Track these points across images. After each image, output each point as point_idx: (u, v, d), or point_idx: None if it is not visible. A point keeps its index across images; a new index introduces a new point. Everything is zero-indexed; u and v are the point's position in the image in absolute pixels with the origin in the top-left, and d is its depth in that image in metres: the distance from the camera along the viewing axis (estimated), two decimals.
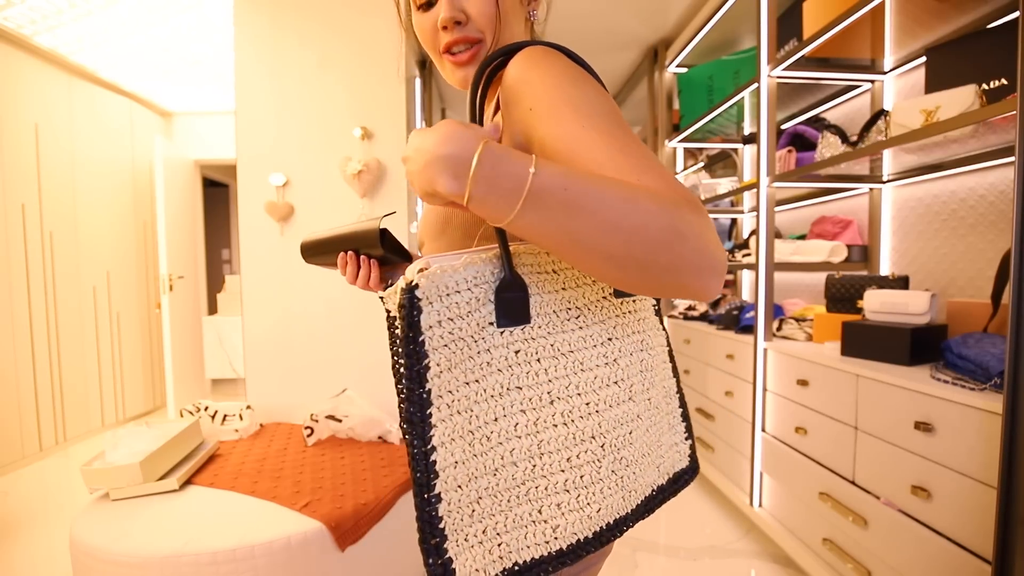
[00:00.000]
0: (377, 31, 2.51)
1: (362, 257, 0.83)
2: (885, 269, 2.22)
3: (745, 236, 3.26)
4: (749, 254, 2.64)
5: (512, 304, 0.56)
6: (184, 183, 4.46)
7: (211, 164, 4.95)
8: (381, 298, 0.60)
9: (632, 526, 0.63)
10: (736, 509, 2.51)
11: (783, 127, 2.50)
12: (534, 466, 0.57)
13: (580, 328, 0.61)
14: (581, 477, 0.59)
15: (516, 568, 0.57)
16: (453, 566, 0.54)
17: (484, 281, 0.55)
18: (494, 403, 0.56)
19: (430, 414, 0.52)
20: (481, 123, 0.58)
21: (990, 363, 1.33)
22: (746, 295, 3.37)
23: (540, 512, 0.58)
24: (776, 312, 2.37)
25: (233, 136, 2.51)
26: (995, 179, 1.72)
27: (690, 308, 3.14)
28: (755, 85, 2.27)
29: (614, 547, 2.21)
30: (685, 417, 0.79)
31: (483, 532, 0.55)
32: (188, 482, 1.71)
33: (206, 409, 2.19)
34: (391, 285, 0.86)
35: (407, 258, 0.88)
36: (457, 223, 0.68)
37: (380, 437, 2.12)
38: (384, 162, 2.53)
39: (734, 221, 3.48)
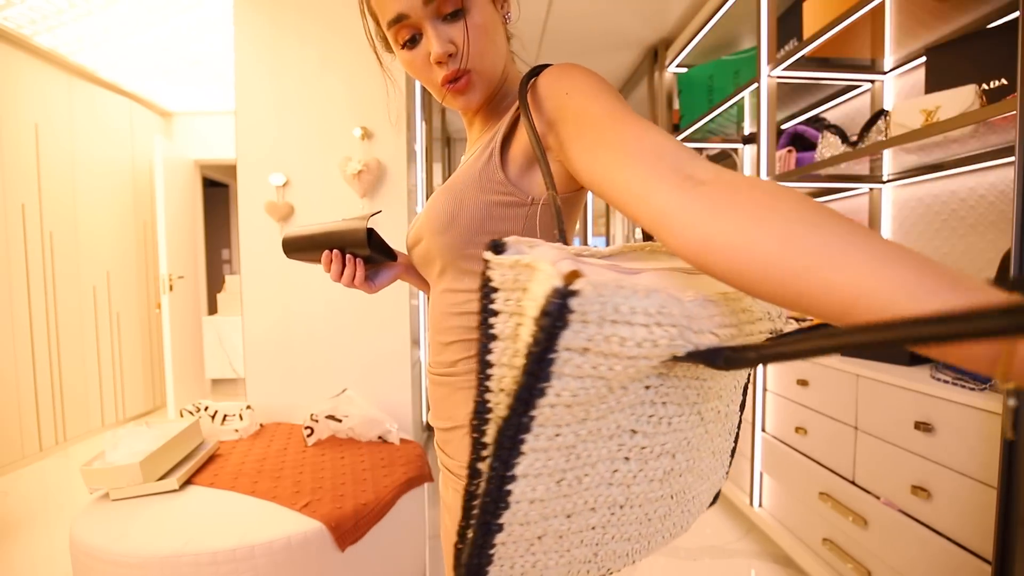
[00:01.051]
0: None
1: (347, 256, 0.82)
2: None
3: None
4: None
5: (703, 356, 0.40)
6: (184, 183, 4.46)
7: (211, 164, 4.95)
8: (486, 261, 0.43)
9: None
10: (736, 509, 2.51)
11: (783, 127, 2.50)
12: (612, 515, 0.50)
13: (710, 378, 0.50)
14: (647, 530, 0.54)
15: None
16: None
17: (670, 322, 0.38)
18: (602, 445, 0.45)
19: (523, 439, 0.42)
20: (534, 135, 0.60)
21: None
22: None
23: (596, 555, 0.53)
24: None
25: (233, 136, 2.52)
26: (995, 179, 1.72)
27: None
28: (755, 85, 2.27)
29: None
30: (732, 453, 0.67)
31: (532, 566, 0.50)
32: (188, 482, 1.71)
33: (206, 409, 2.19)
34: (376, 281, 0.86)
35: (392, 257, 0.87)
36: (465, 220, 0.68)
37: (380, 437, 2.12)
38: (384, 162, 2.53)
39: None
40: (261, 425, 2.31)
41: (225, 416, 2.20)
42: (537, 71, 0.63)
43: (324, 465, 1.85)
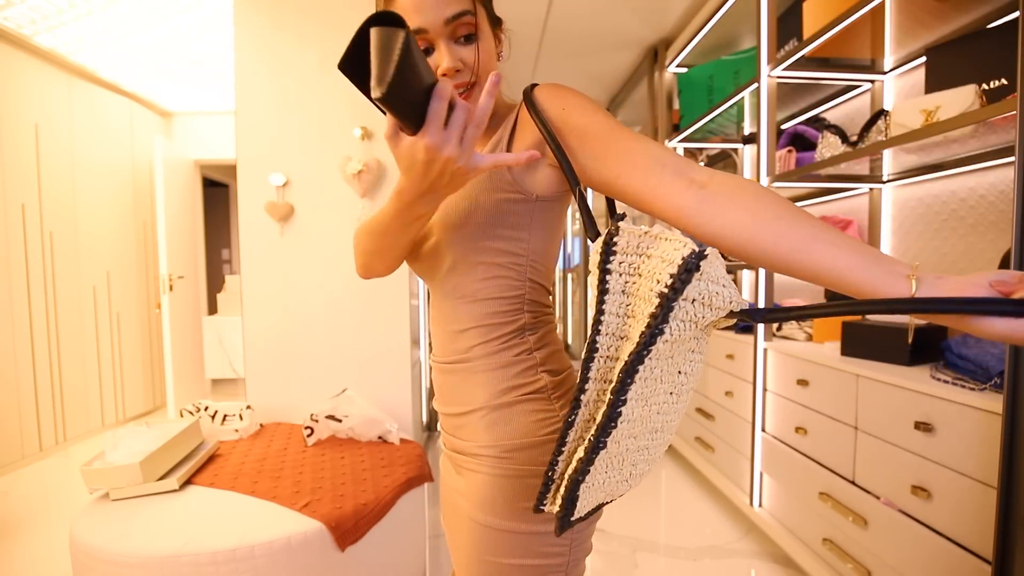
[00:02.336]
0: None
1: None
2: None
3: None
4: None
5: (748, 314, 0.56)
6: (184, 183, 4.46)
7: (211, 164, 4.95)
8: (617, 227, 0.58)
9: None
10: (736, 509, 2.51)
11: (783, 127, 2.50)
12: (651, 440, 0.65)
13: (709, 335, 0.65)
14: (649, 458, 0.67)
15: (588, 513, 0.67)
16: (576, 505, 0.63)
17: (732, 288, 0.54)
18: (669, 379, 0.59)
19: (638, 369, 0.55)
20: (549, 134, 0.71)
21: (990, 363, 1.33)
22: (746, 295, 3.37)
23: (629, 476, 0.66)
24: None
25: (233, 136, 2.52)
26: (995, 179, 1.73)
27: None
28: (755, 85, 2.27)
29: (614, 546, 2.21)
30: None
31: (602, 483, 0.63)
32: (188, 482, 1.71)
33: (206, 409, 2.19)
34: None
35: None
36: (480, 216, 0.76)
37: (380, 437, 2.12)
38: (384, 162, 2.53)
39: None
40: (261, 425, 2.31)
41: (225, 416, 2.20)
42: (530, 89, 0.76)
43: (324, 465, 1.85)
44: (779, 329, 2.22)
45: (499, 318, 0.79)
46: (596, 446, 0.58)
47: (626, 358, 0.55)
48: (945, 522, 1.34)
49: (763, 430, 2.19)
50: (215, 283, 5.79)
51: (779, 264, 0.56)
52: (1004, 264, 1.51)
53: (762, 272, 2.18)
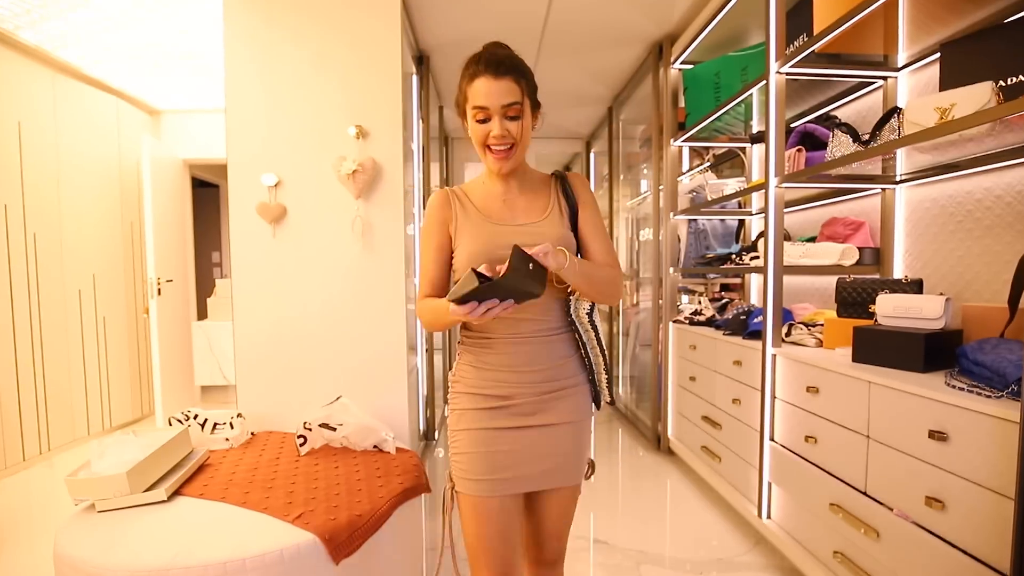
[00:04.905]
0: (372, 27, 2.53)
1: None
2: (898, 272, 2.22)
3: (753, 238, 3.27)
4: (757, 257, 2.65)
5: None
6: (173, 183, 4.47)
7: (201, 164, 4.96)
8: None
9: None
10: (744, 520, 2.51)
11: (792, 126, 2.51)
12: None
13: None
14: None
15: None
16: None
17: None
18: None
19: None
20: (563, 196, 1.33)
21: (1007, 369, 1.33)
22: (754, 299, 3.37)
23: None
24: (785, 317, 2.37)
25: (224, 135, 2.52)
26: (1012, 179, 1.73)
27: (696, 313, 3.14)
28: (763, 82, 2.27)
29: (618, 559, 2.21)
30: None
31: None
32: (177, 493, 1.71)
33: (195, 417, 2.19)
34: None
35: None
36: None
37: (375, 446, 2.12)
38: (380, 162, 2.53)
39: (741, 223, 3.49)
40: (252, 434, 2.31)
41: (215, 424, 2.20)
42: (563, 173, 1.36)
43: (318, 475, 1.85)
44: (788, 335, 2.22)
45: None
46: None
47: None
48: (960, 534, 1.34)
49: (772, 439, 2.19)
50: (205, 287, 5.79)
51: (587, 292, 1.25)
52: (1021, 267, 1.51)
53: (771, 275, 2.19)
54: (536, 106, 1.27)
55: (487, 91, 1.17)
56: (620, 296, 1.35)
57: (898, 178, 2.17)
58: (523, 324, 1.24)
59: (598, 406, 1.36)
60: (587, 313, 1.29)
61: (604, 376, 1.34)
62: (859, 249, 2.27)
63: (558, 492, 1.31)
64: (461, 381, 1.30)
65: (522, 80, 1.20)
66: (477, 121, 1.20)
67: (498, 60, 1.18)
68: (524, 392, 1.25)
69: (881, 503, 1.60)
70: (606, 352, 1.34)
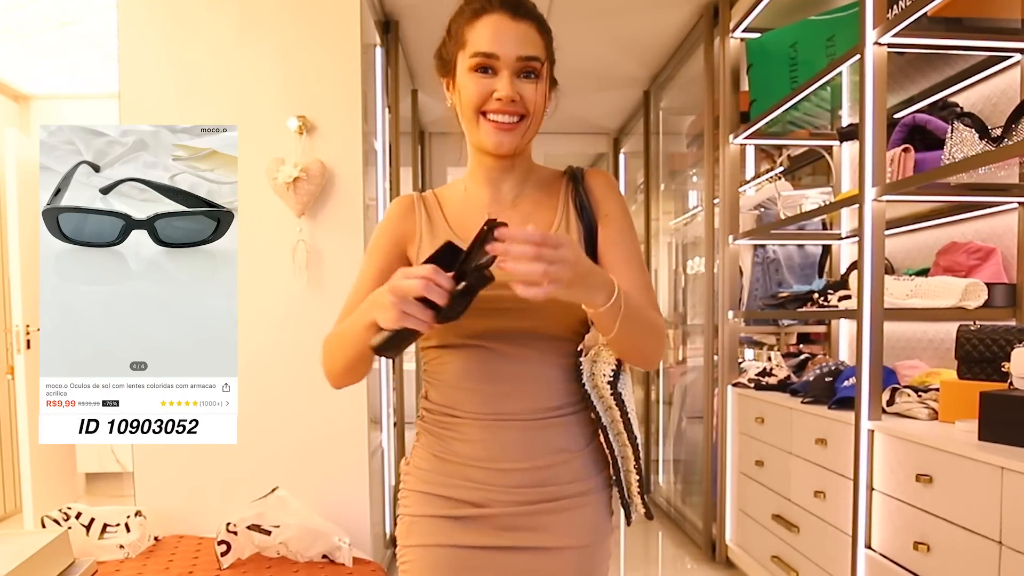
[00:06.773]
0: None
1: None
2: None
3: (843, 271, 3.28)
4: (848, 296, 2.66)
5: None
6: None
7: None
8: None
9: None
10: None
11: (897, 116, 2.54)
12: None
13: None
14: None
15: None
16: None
17: None
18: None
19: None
20: (578, 204, 1.20)
21: None
22: (843, 355, 3.37)
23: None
24: (887, 379, 2.38)
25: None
26: None
27: (764, 373, 3.14)
28: (857, 57, 2.31)
29: None
30: None
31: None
32: None
33: (78, 516, 2.20)
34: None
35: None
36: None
37: (325, 555, 2.12)
38: (331, 166, 2.54)
39: (827, 250, 3.52)
40: (156, 539, 2.31)
41: (105, 526, 2.20)
42: (580, 170, 1.25)
43: None
44: (891, 403, 2.22)
45: None
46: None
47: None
48: None
49: (868, 546, 2.17)
50: None
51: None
52: None
53: (867, 322, 2.20)
54: (554, 83, 1.20)
55: (499, 33, 1.08)
56: (663, 354, 1.21)
57: None
58: (507, 400, 1.10)
59: (628, 521, 1.25)
60: (609, 381, 1.12)
61: (635, 477, 1.19)
62: (988, 285, 2.28)
63: None
64: (414, 474, 1.18)
65: (545, 34, 1.15)
66: (476, 71, 1.09)
67: (517, 0, 1.12)
68: (502, 500, 1.10)
69: None
70: (638, 437, 1.18)
